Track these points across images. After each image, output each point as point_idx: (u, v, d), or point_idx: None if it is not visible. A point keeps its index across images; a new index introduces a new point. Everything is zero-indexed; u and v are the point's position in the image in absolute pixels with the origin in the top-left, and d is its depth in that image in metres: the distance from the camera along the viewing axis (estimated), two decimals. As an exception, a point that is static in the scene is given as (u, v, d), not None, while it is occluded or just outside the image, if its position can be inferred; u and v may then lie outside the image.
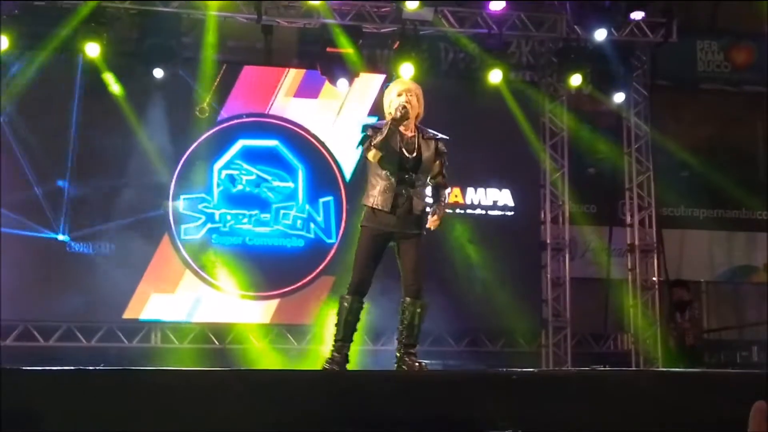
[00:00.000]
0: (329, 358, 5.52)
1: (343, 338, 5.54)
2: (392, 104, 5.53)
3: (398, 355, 5.58)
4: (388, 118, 5.47)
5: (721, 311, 12.73)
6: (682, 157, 12.30)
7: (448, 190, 5.77)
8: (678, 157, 12.28)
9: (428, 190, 5.74)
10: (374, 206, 5.46)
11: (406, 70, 10.86)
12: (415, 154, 5.49)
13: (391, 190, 5.44)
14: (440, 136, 5.67)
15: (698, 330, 12.27)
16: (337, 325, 5.57)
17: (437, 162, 5.60)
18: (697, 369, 9.66)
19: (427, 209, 5.60)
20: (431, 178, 5.65)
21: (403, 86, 5.63)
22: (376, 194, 5.47)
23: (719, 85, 12.88)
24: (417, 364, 5.47)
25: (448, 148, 5.69)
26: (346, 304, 5.52)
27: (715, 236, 12.65)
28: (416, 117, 5.60)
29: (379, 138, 5.36)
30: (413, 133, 5.54)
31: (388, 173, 5.46)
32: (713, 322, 12.70)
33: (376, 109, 11.43)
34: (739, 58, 12.94)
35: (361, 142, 5.53)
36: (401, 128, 5.49)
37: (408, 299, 5.55)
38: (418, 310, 5.54)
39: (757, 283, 12.83)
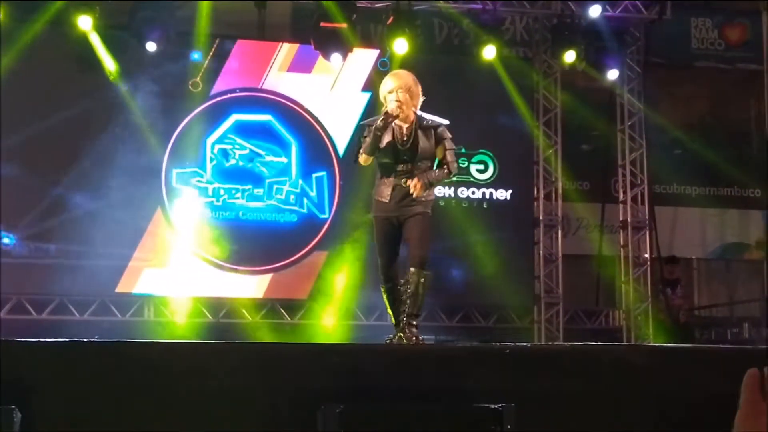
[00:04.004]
0: (390, 339, 5.70)
1: (396, 322, 5.75)
2: (386, 100, 5.61)
3: (400, 324, 5.63)
4: (380, 117, 5.53)
5: (712, 288, 12.79)
6: (676, 135, 12.32)
7: (446, 170, 5.73)
8: (671, 135, 12.30)
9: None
10: (376, 199, 5.70)
11: (400, 45, 10.83)
12: (410, 145, 5.58)
13: (390, 182, 5.62)
14: (439, 122, 5.71)
15: (689, 307, 12.35)
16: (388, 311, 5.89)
17: (439, 148, 5.68)
18: (688, 345, 9.72)
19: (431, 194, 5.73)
20: (438, 165, 5.74)
21: (395, 83, 5.62)
22: (378, 185, 5.71)
23: (713, 63, 12.87)
24: (414, 338, 5.53)
25: (450, 131, 5.74)
26: (384, 295, 5.79)
27: (708, 213, 12.69)
28: (414, 106, 5.67)
29: (365, 145, 5.53)
30: (410, 124, 5.60)
31: (386, 167, 5.64)
32: (704, 299, 12.77)
33: (370, 84, 11.41)
34: (733, 36, 12.93)
35: (357, 144, 5.70)
36: (396, 121, 5.58)
37: (412, 269, 5.63)
38: (422, 279, 5.63)
39: (749, 260, 12.88)
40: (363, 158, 5.57)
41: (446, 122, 5.75)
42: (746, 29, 12.92)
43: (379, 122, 5.49)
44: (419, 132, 5.60)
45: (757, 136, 12.93)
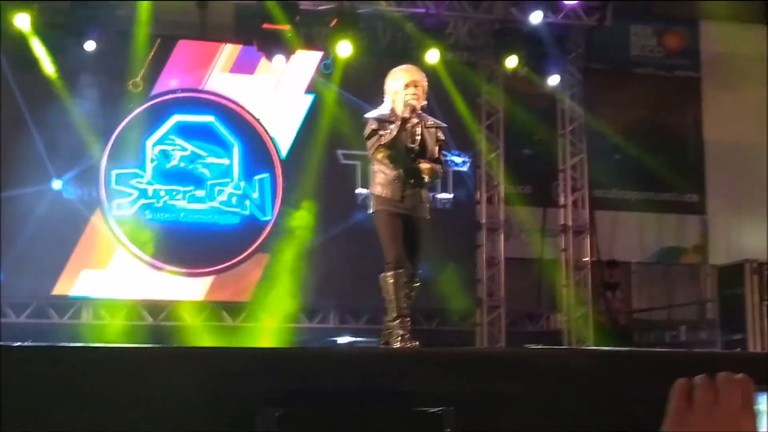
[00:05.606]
0: (399, 338, 5.42)
1: (401, 314, 5.48)
2: (398, 94, 5.49)
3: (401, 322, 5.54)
4: (399, 111, 5.42)
5: (650, 291, 12.96)
6: (616, 140, 12.47)
7: (439, 167, 5.74)
8: (611, 140, 12.45)
9: None
10: (383, 196, 5.50)
11: (344, 47, 10.82)
12: (418, 144, 5.50)
13: (399, 180, 5.47)
14: (441, 124, 5.70)
15: (628, 310, 12.52)
16: (389, 303, 5.51)
17: (436, 149, 5.62)
18: (627, 348, 9.84)
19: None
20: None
21: (410, 77, 5.54)
22: (384, 183, 5.50)
23: (652, 70, 13.07)
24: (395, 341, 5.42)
25: (445, 134, 5.73)
26: (391, 281, 5.47)
27: (646, 218, 12.86)
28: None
29: (388, 137, 5.38)
30: (416, 121, 5.52)
31: (394, 164, 5.48)
32: (643, 302, 12.94)
33: (313, 87, 11.38)
34: (672, 43, 13.14)
35: (368, 137, 5.51)
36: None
37: (416, 280, 5.65)
38: (412, 293, 5.61)
39: (686, 264, 13.09)
40: (382, 154, 5.45)
41: (445, 125, 5.77)
42: (684, 37, 13.14)
43: (407, 115, 5.37)
44: (424, 132, 5.55)
45: (693, 143, 13.16)
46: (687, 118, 13.19)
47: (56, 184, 10.52)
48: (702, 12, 12.84)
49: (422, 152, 5.51)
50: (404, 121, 5.39)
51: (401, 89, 5.49)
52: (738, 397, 1.36)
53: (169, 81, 11.04)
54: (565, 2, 11.45)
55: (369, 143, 5.52)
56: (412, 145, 5.47)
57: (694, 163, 13.05)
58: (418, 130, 5.51)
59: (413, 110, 5.44)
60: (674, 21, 13.16)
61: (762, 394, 1.46)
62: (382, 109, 5.58)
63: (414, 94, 5.47)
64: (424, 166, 5.45)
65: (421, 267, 5.71)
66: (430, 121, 5.63)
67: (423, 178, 5.50)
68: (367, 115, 5.63)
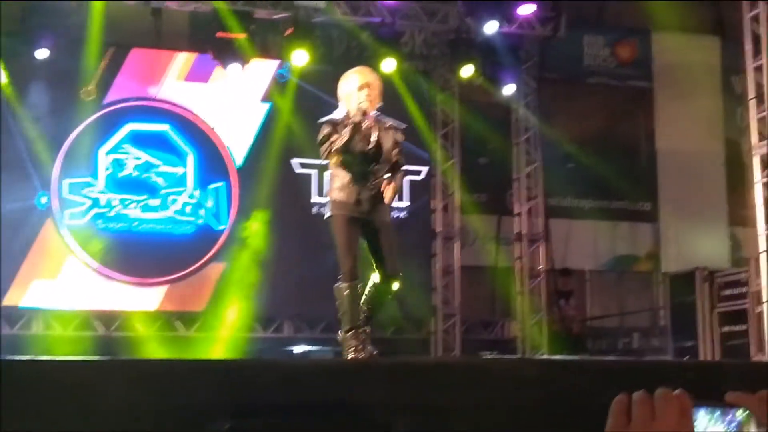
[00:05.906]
0: (353, 349, 5.34)
1: (355, 325, 5.38)
2: (352, 97, 5.38)
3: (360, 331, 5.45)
4: (352, 115, 5.31)
5: (604, 299, 13.08)
6: (569, 149, 12.58)
7: (402, 170, 5.64)
8: (565, 149, 12.56)
9: None
10: (339, 200, 5.39)
11: (299, 56, 10.80)
12: (373, 146, 5.39)
13: (354, 183, 5.36)
14: (400, 125, 5.60)
15: (582, 317, 12.63)
16: (343, 314, 5.43)
17: (395, 150, 5.50)
18: (579, 356, 9.93)
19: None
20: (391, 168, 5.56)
21: (363, 79, 5.44)
22: (340, 187, 5.40)
23: (605, 79, 13.21)
24: (368, 352, 5.36)
25: (405, 135, 5.65)
26: (346, 292, 5.39)
27: (600, 226, 12.98)
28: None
29: (339, 142, 5.26)
30: (371, 124, 5.41)
31: (349, 168, 5.38)
32: (596, 309, 13.05)
33: (269, 95, 11.34)
34: (624, 54, 13.29)
35: (321, 142, 5.40)
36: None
37: (396, 284, 5.52)
38: (390, 297, 5.58)
39: (639, 271, 13.23)
40: (335, 159, 5.31)
41: (405, 126, 5.69)
42: (636, 47, 13.30)
43: (358, 119, 5.27)
44: (381, 133, 5.43)
45: (646, 152, 13.31)
46: (639, 128, 13.35)
47: (43, 200, 10.46)
48: (654, 22, 13.00)
49: (378, 155, 5.41)
50: (356, 125, 5.33)
51: (354, 92, 5.39)
52: (675, 413, 1.37)
53: (123, 89, 10.94)
54: (519, 12, 11.53)
55: (322, 149, 5.41)
56: (367, 149, 5.38)
57: (647, 172, 13.20)
58: (374, 132, 5.42)
59: (365, 113, 5.36)
60: (626, 31, 13.32)
61: (699, 409, 1.47)
62: (337, 113, 5.52)
63: (367, 96, 5.39)
64: (388, 193, 5.38)
65: (399, 267, 5.54)
66: (389, 122, 5.53)
67: (381, 192, 5.39)
68: (321, 120, 5.56)
